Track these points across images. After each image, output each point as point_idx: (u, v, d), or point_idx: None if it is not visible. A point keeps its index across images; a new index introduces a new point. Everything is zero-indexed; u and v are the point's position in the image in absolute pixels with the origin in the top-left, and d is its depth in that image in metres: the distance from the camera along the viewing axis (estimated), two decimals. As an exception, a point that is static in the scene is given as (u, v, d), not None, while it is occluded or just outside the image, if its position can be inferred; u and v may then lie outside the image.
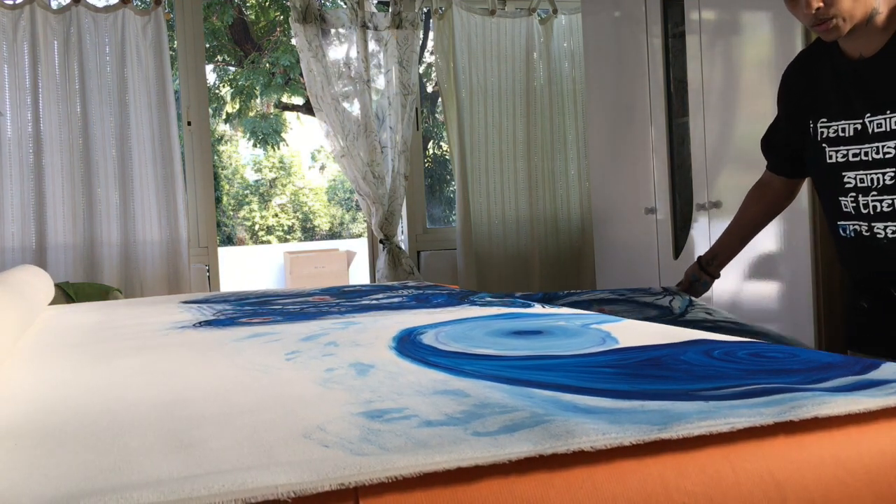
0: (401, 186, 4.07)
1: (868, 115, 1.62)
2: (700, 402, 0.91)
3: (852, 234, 1.69)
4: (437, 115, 5.57)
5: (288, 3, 4.23)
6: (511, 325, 1.61)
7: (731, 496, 0.78)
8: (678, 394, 0.95)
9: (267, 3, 9.40)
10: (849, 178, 1.67)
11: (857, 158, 1.65)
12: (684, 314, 1.93)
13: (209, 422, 0.91)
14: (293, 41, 4.09)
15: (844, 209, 1.69)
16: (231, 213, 18.07)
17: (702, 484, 0.77)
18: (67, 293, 3.23)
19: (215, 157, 12.92)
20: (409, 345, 1.41)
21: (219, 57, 10.40)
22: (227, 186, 17.44)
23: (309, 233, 19.05)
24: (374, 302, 2.18)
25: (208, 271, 3.95)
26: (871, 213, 1.63)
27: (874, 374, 1.02)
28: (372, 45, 4.11)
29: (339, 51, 4.08)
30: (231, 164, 17.69)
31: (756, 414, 0.84)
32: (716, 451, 0.80)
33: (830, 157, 1.70)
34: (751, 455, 0.81)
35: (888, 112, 1.58)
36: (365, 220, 4.28)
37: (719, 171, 3.14)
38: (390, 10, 4.11)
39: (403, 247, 4.23)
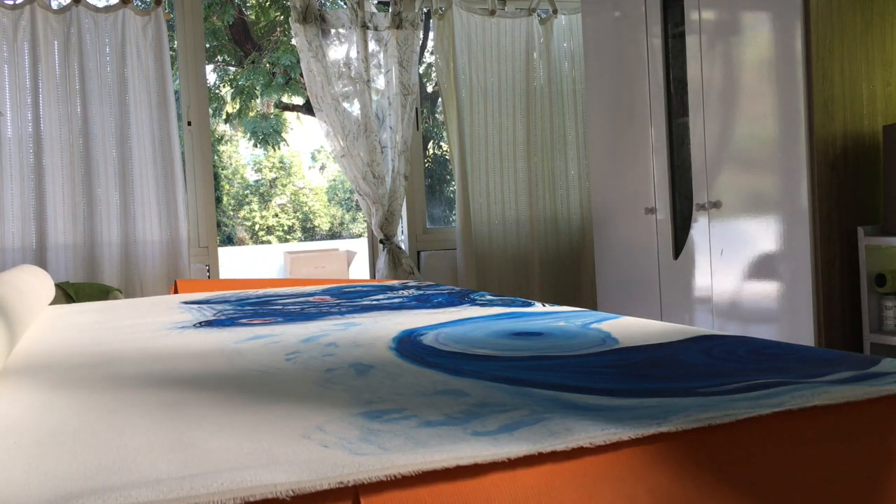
0: (401, 186, 4.07)
1: None
2: (699, 397, 0.91)
3: None
4: (437, 115, 5.56)
5: (288, 3, 4.23)
6: (511, 325, 1.61)
7: (740, 476, 0.78)
8: (677, 391, 0.95)
9: (267, 3, 9.40)
10: None
11: None
12: None
13: (209, 422, 0.91)
14: (293, 41, 4.09)
15: None
16: (231, 213, 18.08)
17: (711, 467, 0.77)
18: (67, 293, 3.23)
19: (215, 157, 12.92)
20: (409, 345, 1.41)
21: (219, 57, 10.40)
22: (227, 186, 17.45)
23: (309, 233, 19.06)
24: (374, 302, 2.18)
25: (208, 271, 3.95)
26: None
27: (874, 369, 1.02)
28: (372, 46, 4.11)
29: (339, 51, 4.08)
30: (231, 164, 17.70)
31: (756, 406, 0.85)
32: (721, 436, 0.80)
33: None
34: (758, 437, 0.81)
35: None
36: (365, 220, 4.28)
37: (719, 171, 3.14)
38: (390, 10, 4.11)
39: (403, 247, 4.23)
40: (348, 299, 2.29)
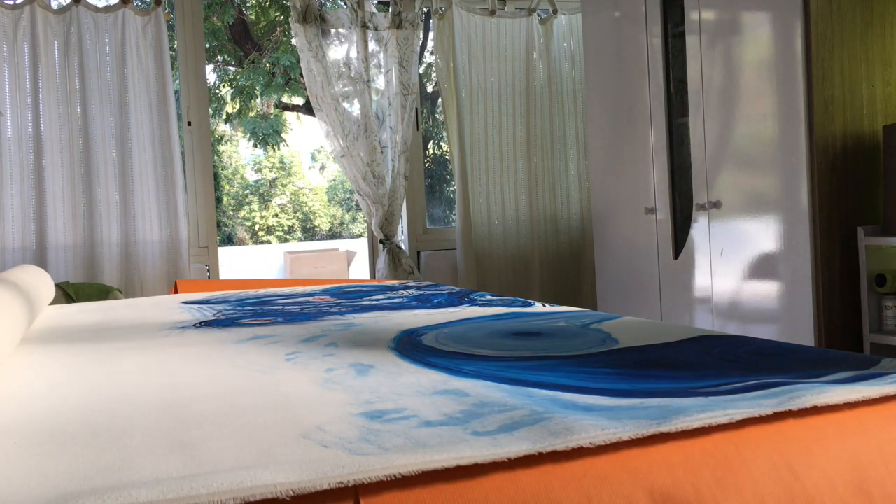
0: (401, 186, 4.07)
1: None
2: (699, 397, 0.91)
3: None
4: (437, 115, 5.56)
5: (288, 3, 4.23)
6: (511, 325, 1.61)
7: (740, 477, 0.78)
8: (677, 391, 0.95)
9: (267, 3, 9.40)
10: None
11: None
12: None
13: (209, 422, 0.91)
14: (293, 41, 4.09)
15: None
16: (231, 213, 18.08)
17: (709, 468, 0.77)
18: (68, 293, 3.23)
19: (215, 157, 12.93)
20: (409, 345, 1.41)
21: (219, 57, 10.40)
22: (227, 186, 17.45)
23: (309, 233, 19.06)
24: (374, 302, 2.18)
25: (208, 271, 3.95)
26: None
27: (874, 369, 1.02)
28: (372, 46, 4.11)
29: (339, 51, 4.08)
30: (231, 164, 17.69)
31: (755, 406, 0.85)
32: (721, 436, 0.80)
33: None
34: (758, 438, 0.81)
35: None
36: (365, 220, 4.28)
37: (719, 171, 3.14)
38: (390, 10, 4.11)
39: (403, 247, 4.23)
40: (348, 299, 2.28)
